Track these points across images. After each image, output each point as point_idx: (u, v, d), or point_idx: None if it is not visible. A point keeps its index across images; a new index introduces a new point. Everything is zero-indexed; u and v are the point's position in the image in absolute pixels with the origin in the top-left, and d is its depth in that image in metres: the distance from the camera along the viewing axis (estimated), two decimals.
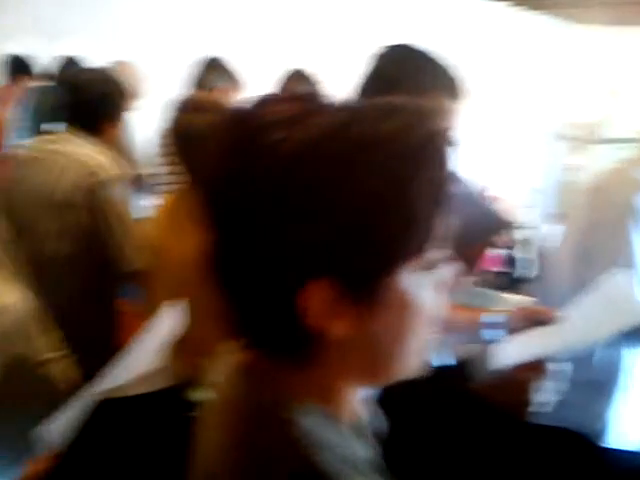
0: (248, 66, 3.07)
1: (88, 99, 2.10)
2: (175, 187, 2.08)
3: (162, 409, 1.01)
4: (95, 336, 2.02)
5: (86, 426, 0.82)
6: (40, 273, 1.89)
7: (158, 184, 2.82)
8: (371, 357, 0.63)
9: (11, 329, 1.22)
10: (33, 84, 4.02)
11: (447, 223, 0.61)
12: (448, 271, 0.64)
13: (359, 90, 1.30)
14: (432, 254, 0.61)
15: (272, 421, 0.60)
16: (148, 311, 2.19)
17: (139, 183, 3.10)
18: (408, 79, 1.21)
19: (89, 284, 2.06)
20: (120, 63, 3.36)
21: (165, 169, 2.77)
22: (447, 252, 0.63)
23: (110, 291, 2.14)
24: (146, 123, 3.14)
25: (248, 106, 0.63)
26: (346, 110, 0.60)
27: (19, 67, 4.24)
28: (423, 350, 0.65)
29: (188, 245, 1.81)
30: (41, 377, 1.26)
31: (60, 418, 1.02)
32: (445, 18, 5.73)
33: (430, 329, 0.64)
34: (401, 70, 1.24)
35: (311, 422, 0.60)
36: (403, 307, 0.60)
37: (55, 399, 1.07)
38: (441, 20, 5.65)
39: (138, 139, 3.33)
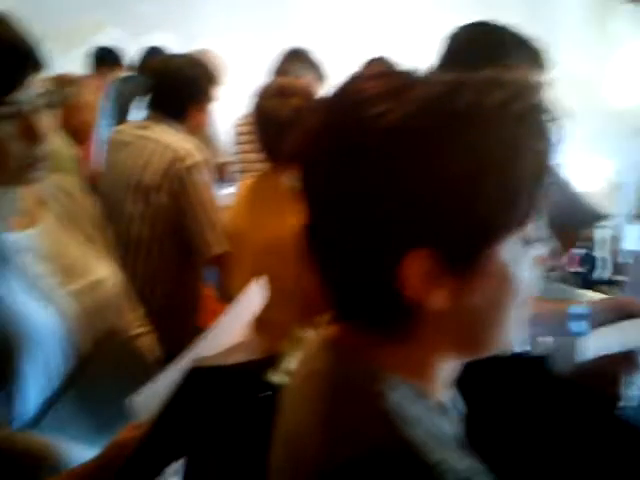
0: (330, 57, 3.08)
1: (176, 83, 2.16)
2: (255, 173, 2.11)
3: (246, 382, 1.02)
4: (176, 317, 2.09)
5: (177, 393, 0.84)
6: (126, 254, 1.97)
7: (239, 172, 2.88)
8: (467, 330, 0.63)
9: (104, 303, 1.27)
10: (120, 74, 4.18)
11: (547, 198, 0.60)
12: (544, 248, 0.64)
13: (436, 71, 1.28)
14: (531, 229, 0.60)
15: (360, 393, 0.61)
16: (227, 295, 2.25)
17: (221, 171, 3.17)
18: (489, 54, 1.18)
19: (172, 267, 2.13)
20: (203, 51, 3.42)
21: (244, 156, 2.84)
22: (544, 228, 0.63)
23: (192, 275, 2.20)
24: (226, 113, 3.20)
25: (342, 84, 0.64)
26: (444, 83, 0.60)
27: (107, 58, 4.41)
28: (519, 325, 0.64)
29: (267, 230, 1.86)
30: (132, 351, 1.32)
31: (150, 388, 1.05)
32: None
33: (526, 304, 0.64)
34: (479, 47, 1.21)
35: (400, 396, 0.60)
36: (502, 280, 0.60)
37: (144, 373, 1.10)
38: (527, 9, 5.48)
39: (219, 128, 3.40)
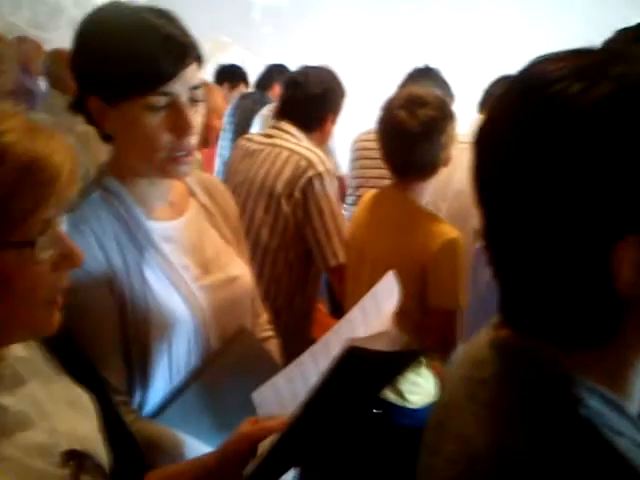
0: (455, 77, 3.03)
1: (317, 93, 2.17)
2: (372, 189, 2.08)
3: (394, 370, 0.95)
4: (293, 324, 2.08)
5: (335, 370, 0.78)
6: (253, 259, 1.98)
7: (355, 187, 2.87)
8: None
9: (236, 300, 1.27)
10: (242, 91, 4.33)
11: None
12: None
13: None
14: None
15: (555, 398, 0.56)
16: (338, 308, 2.21)
17: (339, 184, 3.16)
18: None
19: (295, 274, 2.13)
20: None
21: (363, 172, 2.82)
22: None
23: (312, 284, 2.19)
24: (342, 129, 3.21)
25: (521, 69, 0.60)
26: None
27: (231, 75, 4.57)
28: None
29: (386, 245, 1.81)
30: (259, 352, 1.30)
31: (272, 384, 1.03)
32: None
33: None
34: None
35: (597, 403, 0.55)
36: None
37: (269, 375, 1.07)
38: None
39: (336, 143, 3.42)
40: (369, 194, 2.02)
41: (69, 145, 0.73)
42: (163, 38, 1.07)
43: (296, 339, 2.00)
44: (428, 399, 1.82)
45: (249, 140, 2.28)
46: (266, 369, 1.21)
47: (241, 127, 3.68)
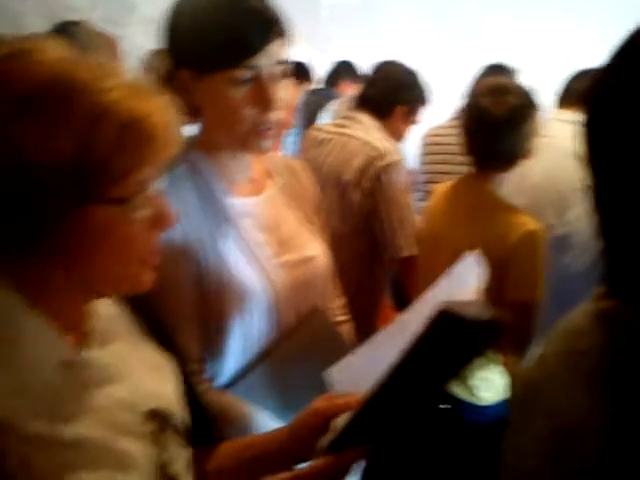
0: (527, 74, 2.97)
1: (389, 83, 2.19)
2: (441, 184, 2.05)
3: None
4: (360, 314, 2.06)
5: (426, 336, 0.75)
6: None
7: (424, 182, 2.84)
8: None
9: (312, 280, 1.26)
10: (309, 87, 4.36)
11: None
12: None
13: None
14: None
15: None
16: (406, 301, 2.19)
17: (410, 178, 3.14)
18: None
19: (362, 263, 2.12)
20: None
21: (432, 167, 2.79)
22: None
23: (380, 273, 2.17)
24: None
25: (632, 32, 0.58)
26: None
27: (298, 72, 4.60)
28: None
29: (465, 236, 1.77)
30: (333, 333, 1.29)
31: (347, 362, 1.01)
32: None
33: None
34: None
35: None
36: None
37: (341, 357, 1.06)
38: None
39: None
40: (445, 185, 1.98)
41: (170, 105, 0.73)
42: (249, 12, 1.07)
43: (362, 328, 1.99)
44: (499, 396, 1.77)
45: (319, 130, 2.28)
46: (338, 350, 1.19)
47: (308, 122, 3.71)
